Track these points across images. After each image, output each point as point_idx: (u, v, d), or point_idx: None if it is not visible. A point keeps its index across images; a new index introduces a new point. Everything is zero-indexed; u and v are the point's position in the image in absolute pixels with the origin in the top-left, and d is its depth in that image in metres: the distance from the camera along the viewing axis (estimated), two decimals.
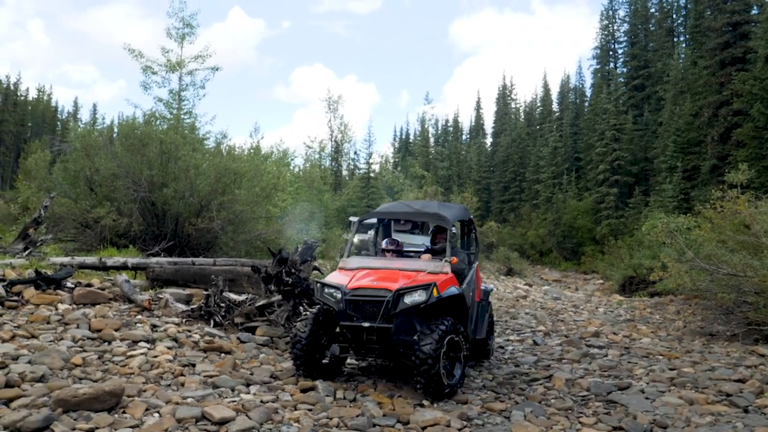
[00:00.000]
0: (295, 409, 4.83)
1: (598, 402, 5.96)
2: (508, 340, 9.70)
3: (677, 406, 5.70)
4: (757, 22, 21.44)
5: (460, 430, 4.76)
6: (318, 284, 6.05)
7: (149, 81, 24.17)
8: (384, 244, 7.47)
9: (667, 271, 11.78)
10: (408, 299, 5.64)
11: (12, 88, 72.08)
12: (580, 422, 5.30)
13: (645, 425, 5.08)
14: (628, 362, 7.83)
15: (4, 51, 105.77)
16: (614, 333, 10.15)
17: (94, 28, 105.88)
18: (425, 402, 5.58)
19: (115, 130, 24.43)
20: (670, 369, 7.38)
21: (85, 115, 67.69)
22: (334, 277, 6.21)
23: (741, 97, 20.42)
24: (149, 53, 29.60)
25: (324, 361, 5.94)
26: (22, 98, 73.40)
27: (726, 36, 22.30)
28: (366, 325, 5.55)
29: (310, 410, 4.84)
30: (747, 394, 6.08)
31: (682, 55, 30.80)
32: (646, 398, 6.04)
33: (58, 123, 70.70)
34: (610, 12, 40.45)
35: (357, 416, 4.80)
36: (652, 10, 37.65)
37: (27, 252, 10.41)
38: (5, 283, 7.43)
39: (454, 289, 5.96)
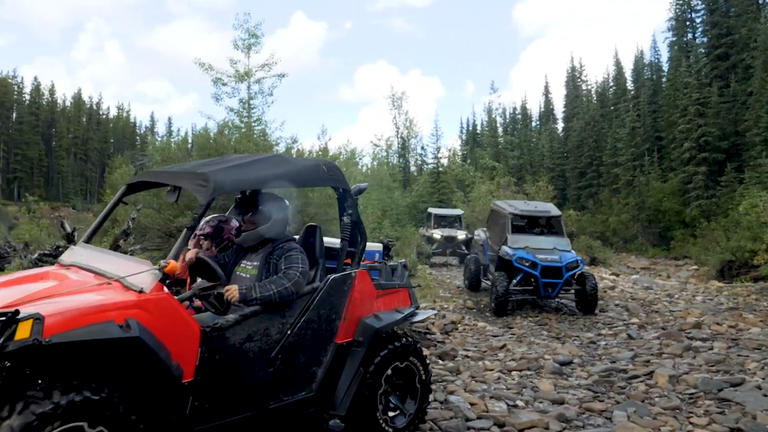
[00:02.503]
0: None
1: (708, 400, 5.47)
2: (599, 334, 9.19)
3: None
4: None
5: None
6: None
7: (220, 92, 24.93)
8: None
9: None
10: None
11: (95, 107, 76.80)
12: (690, 423, 4.88)
13: (767, 425, 4.59)
14: (738, 355, 7.17)
15: (87, 73, 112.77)
16: (717, 323, 9.39)
17: (165, 45, 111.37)
18: (519, 402, 5.31)
19: (190, 141, 25.40)
20: None
21: (161, 129, 71.08)
22: None
23: None
24: (218, 65, 30.64)
25: None
26: (104, 116, 78.06)
27: None
28: None
29: None
30: None
31: None
32: (765, 395, 5.46)
33: (137, 138, 74.72)
34: None
35: (450, 418, 4.61)
36: None
37: None
38: None
39: (100, 329, 2.67)
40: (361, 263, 4.20)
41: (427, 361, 4.36)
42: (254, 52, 24.92)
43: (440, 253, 21.67)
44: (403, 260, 4.58)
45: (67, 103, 76.07)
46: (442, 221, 23.46)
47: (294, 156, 16.28)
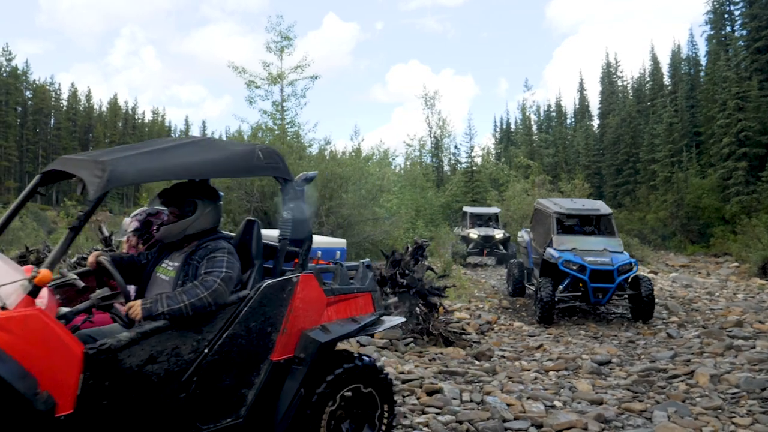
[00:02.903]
0: (423, 413, 4.76)
1: (751, 400, 5.38)
2: (638, 333, 9.11)
3: None
4: None
5: None
6: None
7: (253, 95, 25.34)
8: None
9: None
10: None
11: (130, 112, 78.78)
12: (733, 423, 4.82)
13: None
14: None
15: (123, 79, 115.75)
16: (760, 321, 9.19)
17: (199, 49, 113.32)
18: (557, 403, 5.32)
19: None
20: None
21: (195, 132, 72.40)
22: None
23: None
24: (251, 68, 31.17)
25: None
26: (140, 121, 79.98)
27: None
28: None
29: (438, 414, 4.75)
30: None
31: None
32: None
33: None
34: None
35: (487, 419, 4.65)
36: None
37: None
38: None
39: None
40: (318, 265, 3.76)
41: (395, 399, 3.78)
42: (287, 54, 25.24)
43: (477, 253, 20.96)
44: (366, 260, 4.04)
45: (104, 109, 78.27)
46: (478, 220, 22.60)
47: (333, 158, 16.48)
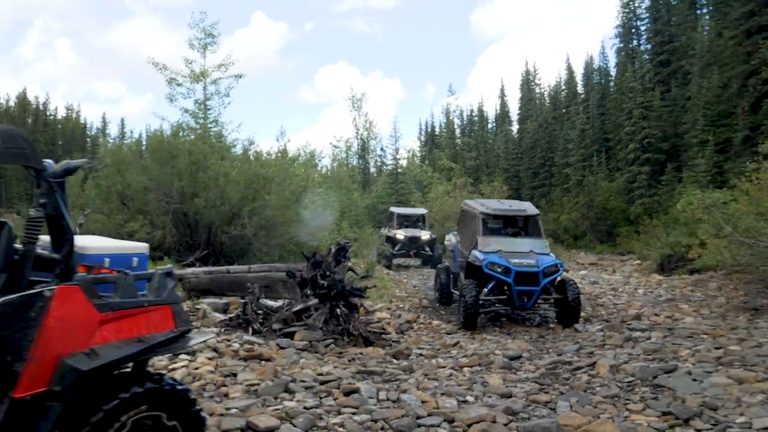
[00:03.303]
0: (339, 414, 4.85)
1: (644, 387, 5.83)
2: (548, 328, 9.60)
3: (726, 387, 5.53)
4: None
5: (506, 425, 4.73)
6: None
7: (174, 93, 24.58)
8: None
9: (706, 247, 11.57)
10: None
11: (41, 108, 74.02)
12: (627, 409, 5.22)
13: (695, 408, 4.96)
14: (673, 344, 7.64)
15: (34, 72, 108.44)
16: (656, 314, 9.95)
17: (120, 44, 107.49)
18: (469, 398, 5.56)
19: (144, 143, 24.92)
20: (716, 348, 7.16)
21: (113, 130, 69.04)
22: None
23: None
24: (174, 65, 30.19)
25: None
26: (52, 117, 75.29)
27: (750, 4, 21.58)
28: None
29: (354, 414, 4.85)
30: None
31: (706, 27, 29.88)
32: (694, 380, 5.88)
33: (88, 140, 72.40)
34: None
35: (401, 417, 4.80)
36: None
37: None
38: None
39: None
40: (93, 274, 3.24)
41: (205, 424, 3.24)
42: (210, 52, 24.63)
43: (403, 254, 20.65)
44: (168, 267, 3.45)
45: (11, 104, 73.21)
46: (405, 221, 22.18)
47: (257, 159, 16.18)
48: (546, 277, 9.43)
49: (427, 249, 20.40)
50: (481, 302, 9.36)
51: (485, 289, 9.58)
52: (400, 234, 20.71)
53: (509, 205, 11.51)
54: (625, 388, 5.91)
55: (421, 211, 23.79)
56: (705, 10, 34.38)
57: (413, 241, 20.45)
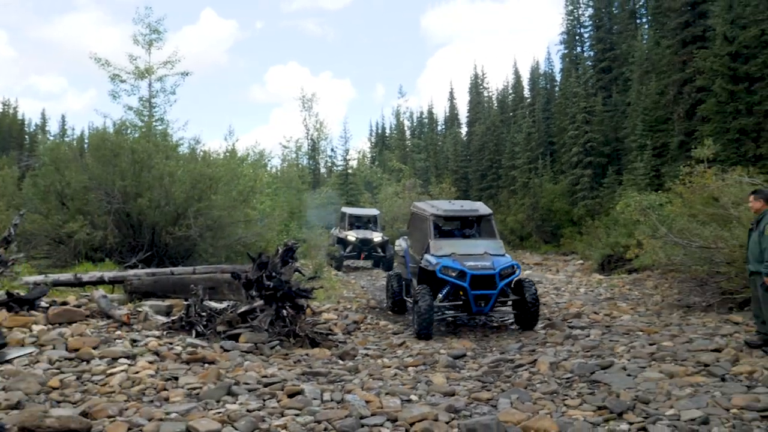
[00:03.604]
0: (282, 416, 4.82)
1: (582, 383, 6.03)
2: (492, 327, 9.79)
3: (658, 381, 5.79)
4: (714, 1, 21.87)
5: (448, 422, 4.79)
6: None
7: (118, 89, 24.00)
8: None
9: (643, 247, 12.06)
10: None
11: None
12: (565, 405, 5.37)
13: (628, 402, 5.16)
14: (610, 340, 7.95)
15: None
16: (595, 312, 10.31)
17: (62, 38, 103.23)
18: (413, 397, 5.62)
19: (86, 141, 24.08)
20: (650, 344, 7.49)
21: (53, 127, 66.26)
22: None
23: (703, 74, 20.87)
24: (118, 61, 29.30)
25: None
26: None
27: (686, 15, 22.73)
28: None
29: (297, 415, 4.83)
30: (723, 362, 6.22)
31: (646, 36, 31.26)
32: (628, 375, 6.13)
33: (26, 137, 69.19)
34: None
35: (345, 417, 4.80)
36: None
37: None
38: None
39: None
40: None
41: None
42: (156, 48, 24.12)
43: (354, 256, 20.16)
44: None
45: None
46: (357, 222, 21.60)
47: (204, 158, 15.86)
48: (503, 279, 9.05)
49: (379, 251, 20.00)
50: (435, 309, 8.87)
51: (440, 295, 9.10)
52: (352, 235, 20.19)
53: (461, 205, 10.94)
54: (563, 384, 6.09)
55: (373, 212, 23.27)
56: (644, 20, 35.96)
57: (365, 242, 19.99)
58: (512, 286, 9.36)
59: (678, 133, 22.49)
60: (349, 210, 22.68)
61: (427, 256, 9.52)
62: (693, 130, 21.45)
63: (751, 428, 4.46)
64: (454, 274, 8.95)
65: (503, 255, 9.57)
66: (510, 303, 9.40)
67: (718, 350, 6.84)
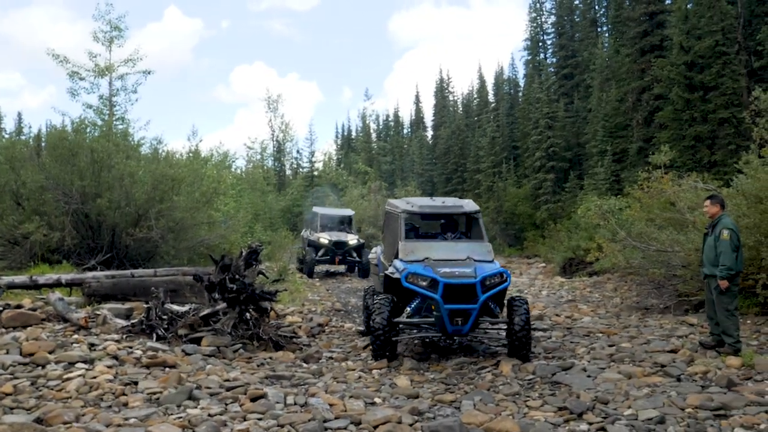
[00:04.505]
0: (245, 420, 4.77)
1: (543, 384, 6.16)
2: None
3: (617, 381, 5.96)
4: (671, 11, 22.65)
5: (411, 425, 4.82)
6: None
7: (77, 87, 23.48)
8: None
9: (603, 251, 12.34)
10: None
11: None
12: (527, 406, 5.47)
13: (587, 402, 5.29)
14: (571, 342, 8.13)
15: None
16: (557, 314, 10.50)
17: (18, 32, 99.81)
18: (377, 399, 5.62)
19: (43, 139, 23.44)
20: (610, 345, 7.71)
21: (9, 125, 64.15)
22: None
23: (660, 82, 21.55)
24: (77, 58, 28.66)
25: None
26: None
27: (644, 25, 23.42)
28: None
29: (260, 419, 4.78)
30: (679, 363, 6.43)
31: (606, 44, 32.09)
32: (588, 376, 6.29)
33: None
34: (538, 5, 41.69)
35: (308, 420, 4.78)
36: (577, 2, 39.07)
37: None
38: None
39: None
40: None
41: None
42: (117, 46, 23.67)
43: (328, 260, 18.34)
44: None
45: None
46: (330, 223, 19.50)
47: (166, 159, 15.60)
48: (486, 290, 7.11)
49: (354, 255, 18.36)
50: (400, 327, 7.48)
51: (408, 309, 7.44)
52: (324, 238, 18.22)
53: (442, 201, 9.05)
54: (525, 385, 6.19)
55: (347, 212, 21.19)
56: (605, 28, 36.89)
57: (339, 246, 18.15)
58: (504, 300, 7.69)
59: (637, 140, 23.13)
60: (321, 210, 20.59)
61: (395, 262, 7.78)
62: (651, 136, 22.08)
63: (705, 427, 4.61)
64: (423, 284, 7.11)
65: (491, 261, 7.77)
66: (503, 323, 7.47)
67: (674, 351, 7.08)
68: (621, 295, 12.62)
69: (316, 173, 44.22)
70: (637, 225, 11.71)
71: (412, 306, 7.43)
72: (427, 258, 7.55)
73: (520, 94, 42.92)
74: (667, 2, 23.73)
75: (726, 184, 12.44)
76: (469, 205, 8.81)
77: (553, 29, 40.06)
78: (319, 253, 18.24)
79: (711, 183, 11.88)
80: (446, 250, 7.93)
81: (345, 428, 4.73)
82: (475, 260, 7.58)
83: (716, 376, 5.85)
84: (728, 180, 13.51)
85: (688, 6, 20.53)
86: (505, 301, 7.67)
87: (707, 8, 19.58)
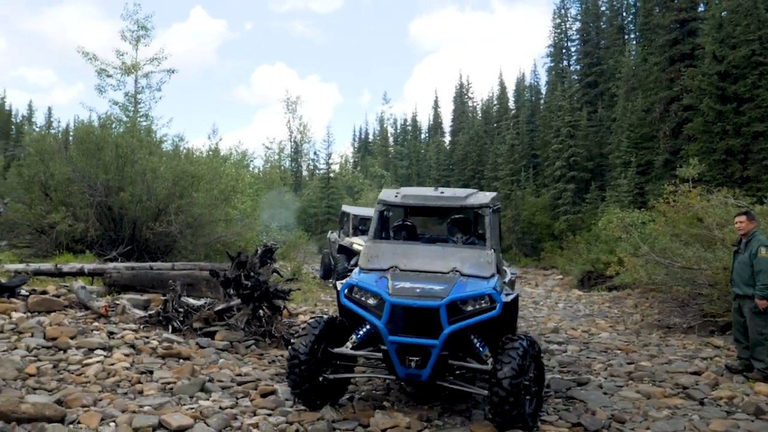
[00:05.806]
0: (255, 415, 4.78)
1: (557, 398, 6.01)
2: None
3: (635, 401, 5.82)
4: (704, 19, 22.14)
5: (419, 431, 4.77)
6: None
7: (104, 84, 24.05)
8: None
9: (624, 265, 12.07)
10: None
11: None
12: (540, 420, 5.36)
13: (603, 420, 5.17)
14: (587, 357, 7.96)
15: None
16: (573, 328, 10.32)
17: (52, 30, 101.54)
18: (386, 403, 5.56)
19: (71, 134, 23.97)
20: (628, 363, 7.51)
21: (40, 119, 65.62)
22: None
23: (690, 92, 20.98)
24: (105, 56, 29.27)
25: None
26: None
27: (674, 33, 22.96)
28: None
29: (269, 415, 4.79)
30: (703, 386, 6.25)
31: (633, 52, 31.63)
32: (605, 393, 6.14)
33: (13, 127, 68.24)
34: (563, 11, 41.29)
35: (317, 420, 4.77)
36: (603, 8, 38.54)
37: None
38: None
39: None
40: None
41: None
42: (143, 45, 24.19)
43: None
44: None
45: None
46: (363, 226, 15.44)
47: (187, 156, 15.86)
48: (459, 318, 4.90)
49: None
50: (335, 362, 5.32)
51: (354, 337, 5.37)
52: (359, 243, 14.10)
53: (440, 192, 6.41)
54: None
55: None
56: (632, 36, 36.40)
57: None
58: (477, 336, 5.23)
59: (663, 152, 22.67)
60: (353, 210, 17.08)
61: (355, 270, 5.78)
62: (679, 148, 21.63)
63: None
64: (371, 302, 5.09)
65: (489, 277, 5.37)
66: (477, 369, 5.22)
67: (697, 373, 6.84)
68: (641, 311, 12.29)
69: (332, 175, 44.29)
70: (662, 240, 11.42)
71: (359, 334, 5.35)
72: (394, 267, 5.44)
73: (542, 101, 42.58)
74: (700, 9, 23.27)
75: (759, 201, 12.15)
76: (476, 197, 6.25)
77: (577, 36, 39.57)
78: (352, 262, 14.21)
79: (742, 199, 11.53)
80: (425, 257, 5.67)
81: (353, 430, 4.73)
82: (462, 274, 5.35)
83: (743, 403, 5.67)
84: (761, 197, 13.24)
85: (723, 14, 19.98)
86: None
87: (744, 16, 18.97)
